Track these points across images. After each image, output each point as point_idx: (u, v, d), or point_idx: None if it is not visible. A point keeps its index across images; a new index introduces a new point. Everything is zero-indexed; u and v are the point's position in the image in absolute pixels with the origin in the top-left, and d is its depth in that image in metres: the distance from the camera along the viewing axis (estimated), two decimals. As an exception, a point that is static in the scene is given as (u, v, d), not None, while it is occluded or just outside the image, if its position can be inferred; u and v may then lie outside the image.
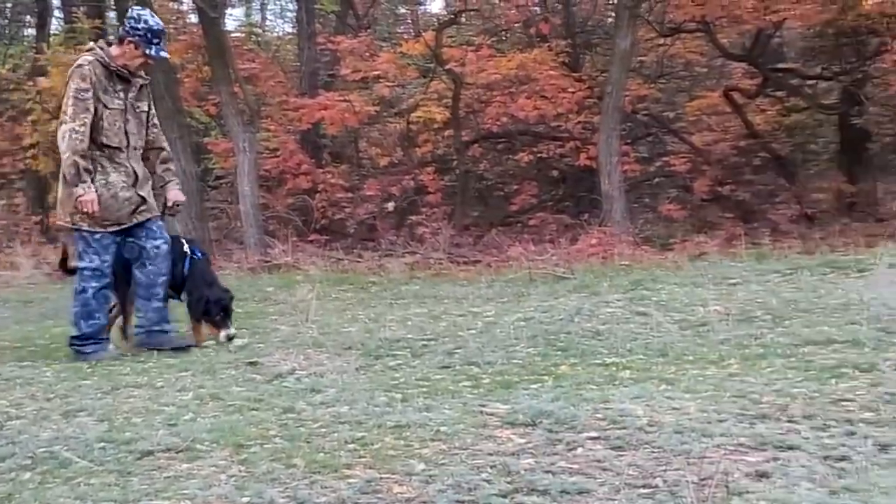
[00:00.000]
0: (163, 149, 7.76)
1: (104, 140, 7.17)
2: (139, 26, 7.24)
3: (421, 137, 20.40)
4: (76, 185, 7.02)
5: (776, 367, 5.45)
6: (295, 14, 23.74)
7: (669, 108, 22.46)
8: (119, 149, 7.27)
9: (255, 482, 3.85)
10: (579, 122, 19.28)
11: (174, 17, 22.35)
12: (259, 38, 24.24)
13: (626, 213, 16.59)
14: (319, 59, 21.02)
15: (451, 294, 10.03)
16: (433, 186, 18.82)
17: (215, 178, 21.19)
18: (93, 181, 7.09)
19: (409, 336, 7.22)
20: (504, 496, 3.61)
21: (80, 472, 4.11)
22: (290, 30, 26.04)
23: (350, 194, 19.01)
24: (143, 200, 7.37)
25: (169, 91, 15.88)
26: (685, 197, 20.25)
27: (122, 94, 7.28)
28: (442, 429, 4.44)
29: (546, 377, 5.53)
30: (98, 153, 7.17)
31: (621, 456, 4.01)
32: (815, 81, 21.78)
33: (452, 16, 20.17)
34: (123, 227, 7.29)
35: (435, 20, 22.35)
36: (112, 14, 21.19)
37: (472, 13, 21.33)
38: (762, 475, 3.74)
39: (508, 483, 3.73)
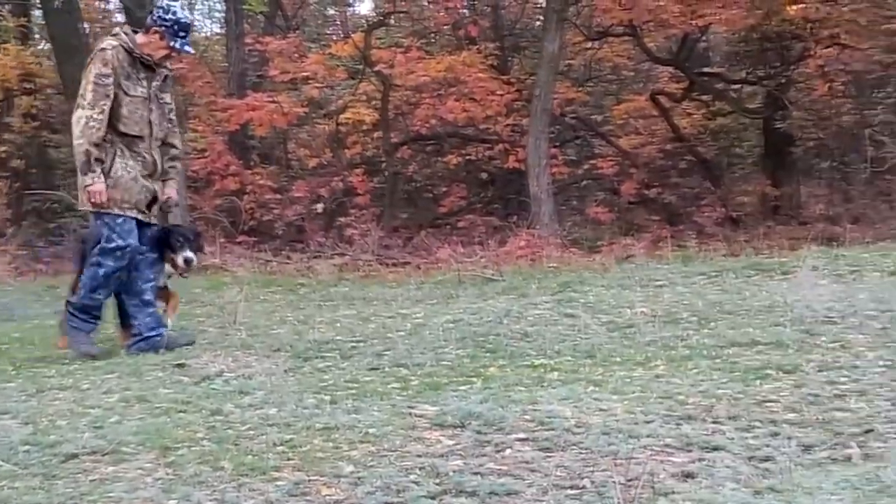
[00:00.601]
0: (174, 146, 7.54)
1: (122, 128, 6.98)
2: (167, 17, 7.10)
3: (350, 139, 20.36)
4: (85, 174, 6.85)
5: (702, 369, 5.49)
6: (223, 14, 23.57)
7: (597, 112, 22.65)
8: (140, 137, 7.08)
9: (183, 485, 3.82)
10: (508, 125, 19.36)
11: (100, 17, 22.14)
12: (187, 39, 24.02)
13: (555, 216, 16.67)
14: (248, 59, 20.92)
15: (380, 296, 10.02)
16: (362, 188, 18.81)
17: (142, 179, 20.95)
18: (112, 164, 6.94)
19: (338, 338, 7.19)
20: (433, 498, 3.61)
21: (3, 475, 4.05)
22: (218, 30, 25.88)
23: (278, 196, 18.93)
24: (155, 199, 7.23)
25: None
26: (612, 200, 20.42)
27: (145, 83, 7.10)
28: (370, 431, 4.43)
29: (475, 379, 5.53)
30: (117, 139, 6.98)
31: (549, 457, 4.02)
32: (739, 86, 22.06)
33: (381, 17, 20.21)
34: (140, 217, 7.13)
35: (364, 22, 22.36)
36: (38, 13, 20.88)
37: (400, 15, 21.35)
38: (688, 476, 3.77)
39: (437, 485, 3.73)
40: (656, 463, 3.89)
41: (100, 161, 6.87)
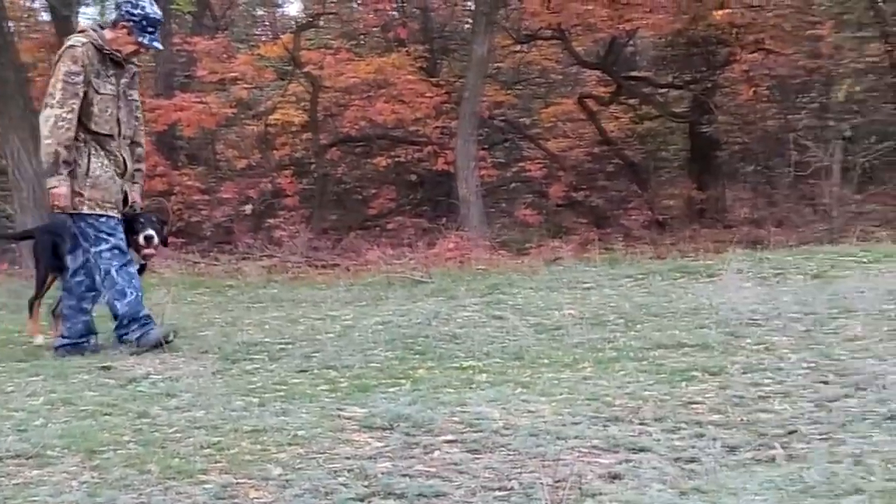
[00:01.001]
0: (140, 144, 7.38)
1: (93, 127, 6.78)
2: (135, 12, 6.86)
3: (279, 140, 20.25)
4: (51, 176, 6.66)
5: (628, 371, 5.53)
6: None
7: (525, 115, 22.71)
8: (111, 136, 6.89)
9: (108, 489, 3.78)
10: (437, 127, 19.36)
11: (25, 15, 21.83)
12: (113, 38, 23.80)
13: (483, 218, 16.72)
14: (175, 59, 20.68)
15: (309, 297, 9.99)
16: (291, 189, 18.73)
17: (68, 179, 20.80)
18: (89, 164, 6.76)
19: (267, 340, 7.15)
20: (361, 500, 3.61)
21: (-75, 480, 3.99)
22: (145, 30, 25.61)
23: (206, 196, 18.74)
24: (126, 199, 7.08)
25: (20, 90, 15.49)
26: (540, 202, 20.49)
27: (114, 80, 6.89)
28: (299, 433, 4.42)
29: (403, 381, 5.53)
30: (89, 138, 6.79)
31: (477, 459, 4.03)
32: (666, 90, 22.26)
33: (310, 19, 20.14)
34: (117, 216, 6.96)
35: (293, 23, 22.22)
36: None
37: (330, 16, 21.28)
38: (614, 477, 3.80)
39: (365, 487, 3.73)
40: (583, 464, 3.92)
41: (67, 164, 6.70)
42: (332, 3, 21.02)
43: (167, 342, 6.74)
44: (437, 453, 4.12)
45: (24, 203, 15.43)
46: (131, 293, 6.89)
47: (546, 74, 23.17)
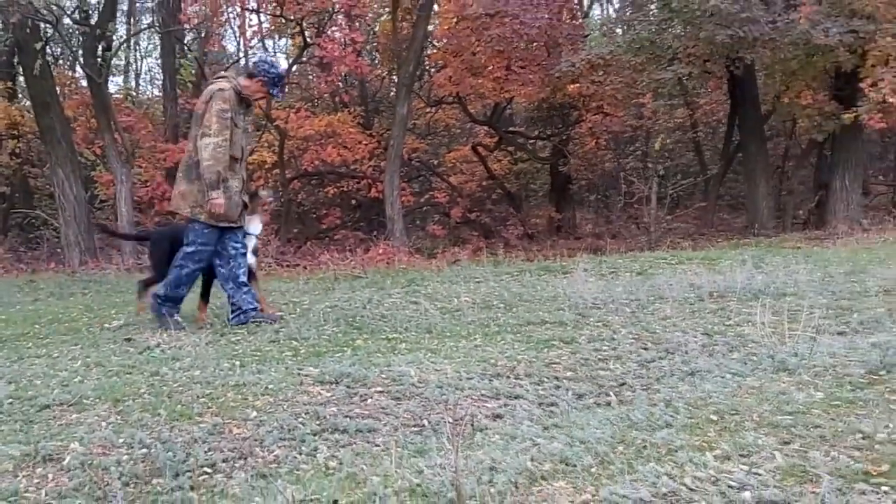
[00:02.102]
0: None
1: (230, 153, 6.53)
2: (271, 71, 6.63)
3: (256, 174, 20.05)
4: (213, 190, 6.39)
5: (507, 341, 5.56)
6: (161, 82, 23.02)
7: (434, 157, 22.80)
8: (238, 160, 6.62)
9: (129, 427, 3.73)
10: (370, 166, 19.39)
11: (68, 81, 21.41)
12: (134, 99, 23.43)
13: (404, 231, 16.70)
14: (180, 115, 20.39)
15: (278, 288, 9.89)
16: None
17: (100, 202, 20.40)
18: None
19: (246, 319, 7.08)
20: (315, 434, 3.60)
21: (-8, 422, 3.90)
22: (157, 93, 25.20)
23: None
24: (245, 205, 6.80)
25: (65, 137, 15.18)
26: (445, 220, 20.56)
27: (243, 116, 6.64)
28: (270, 386, 4.38)
29: (346, 348, 5.50)
30: None
31: (399, 404, 4.03)
32: (534, 140, 22.46)
33: (279, 87, 19.99)
34: (231, 225, 6.68)
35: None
36: (22, 78, 20.08)
37: (293, 85, 21.15)
38: (497, 416, 3.82)
39: (318, 425, 3.71)
40: (475, 408, 3.93)
41: (224, 181, 6.49)
42: (294, 74, 20.89)
43: (177, 329, 6.61)
44: (370, 400, 4.11)
45: (67, 219, 15.13)
46: (182, 290, 6.71)
47: (449, 129, 23.31)
